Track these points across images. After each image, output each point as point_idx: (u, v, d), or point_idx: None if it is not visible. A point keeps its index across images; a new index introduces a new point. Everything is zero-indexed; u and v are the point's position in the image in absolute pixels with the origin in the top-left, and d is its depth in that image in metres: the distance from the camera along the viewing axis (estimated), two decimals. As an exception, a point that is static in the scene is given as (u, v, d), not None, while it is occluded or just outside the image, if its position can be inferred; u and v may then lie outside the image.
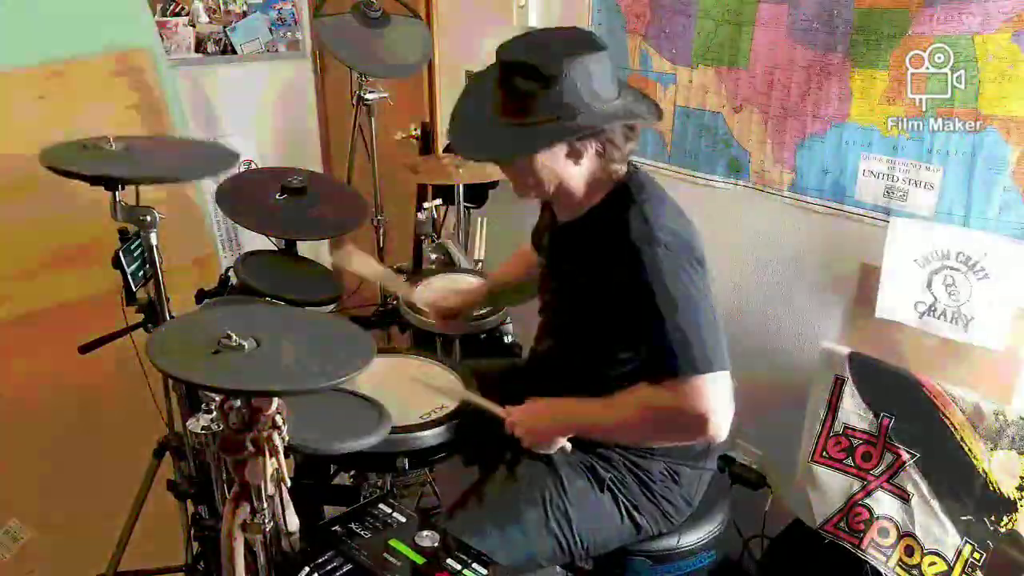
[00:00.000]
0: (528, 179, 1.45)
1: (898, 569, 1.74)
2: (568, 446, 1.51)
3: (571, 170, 1.41)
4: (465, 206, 2.60)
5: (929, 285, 1.69)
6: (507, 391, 1.59)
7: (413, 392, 1.66)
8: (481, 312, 2.12)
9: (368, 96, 2.63)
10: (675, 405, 1.31)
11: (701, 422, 1.30)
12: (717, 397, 1.29)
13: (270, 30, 3.23)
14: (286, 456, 1.10)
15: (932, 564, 1.70)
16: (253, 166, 3.25)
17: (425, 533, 1.27)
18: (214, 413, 1.42)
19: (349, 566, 1.21)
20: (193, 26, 3.01)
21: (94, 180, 1.45)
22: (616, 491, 1.52)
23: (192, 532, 1.83)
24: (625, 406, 1.40)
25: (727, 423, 1.32)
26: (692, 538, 1.60)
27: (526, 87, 1.33)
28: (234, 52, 3.13)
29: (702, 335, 1.30)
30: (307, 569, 1.20)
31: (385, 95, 2.66)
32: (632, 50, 2.24)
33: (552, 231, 1.60)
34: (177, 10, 2.96)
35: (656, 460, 1.54)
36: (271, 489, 1.10)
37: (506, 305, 2.10)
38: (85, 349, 1.77)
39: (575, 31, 1.44)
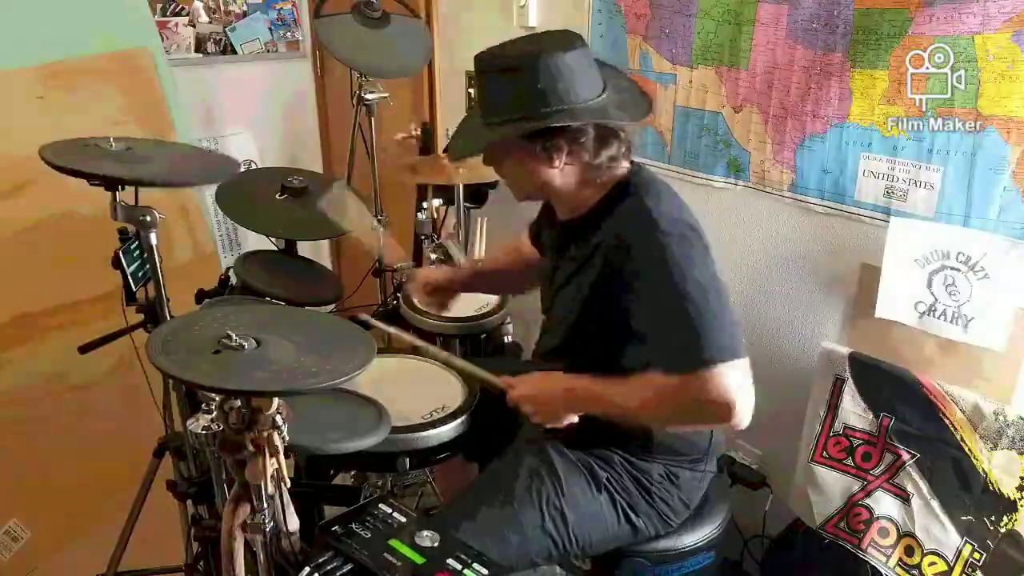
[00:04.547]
0: (515, 182, 1.49)
1: (898, 569, 1.74)
2: (576, 420, 1.47)
3: (550, 172, 1.41)
4: (465, 206, 2.59)
5: (929, 285, 1.69)
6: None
7: (414, 392, 1.66)
8: (480, 312, 2.11)
9: (368, 96, 2.62)
10: (697, 395, 1.27)
11: (725, 410, 1.26)
12: (737, 384, 1.26)
13: (270, 30, 3.23)
14: (286, 456, 1.10)
15: (932, 564, 1.70)
16: (253, 166, 3.25)
17: (425, 533, 1.26)
18: (214, 413, 1.42)
19: (349, 566, 1.21)
20: (193, 26, 3.01)
21: (94, 178, 1.44)
22: (614, 492, 1.51)
23: (192, 532, 1.83)
24: (642, 390, 1.35)
25: (750, 410, 1.28)
26: (692, 538, 1.60)
27: (496, 86, 1.37)
28: (234, 52, 3.13)
29: (716, 323, 1.27)
30: (307, 569, 1.19)
31: (385, 95, 2.65)
32: (632, 50, 2.24)
33: (555, 230, 1.59)
34: (177, 10, 2.96)
35: (655, 462, 1.53)
36: (271, 489, 1.10)
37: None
38: (85, 349, 1.77)
39: (555, 32, 1.43)
